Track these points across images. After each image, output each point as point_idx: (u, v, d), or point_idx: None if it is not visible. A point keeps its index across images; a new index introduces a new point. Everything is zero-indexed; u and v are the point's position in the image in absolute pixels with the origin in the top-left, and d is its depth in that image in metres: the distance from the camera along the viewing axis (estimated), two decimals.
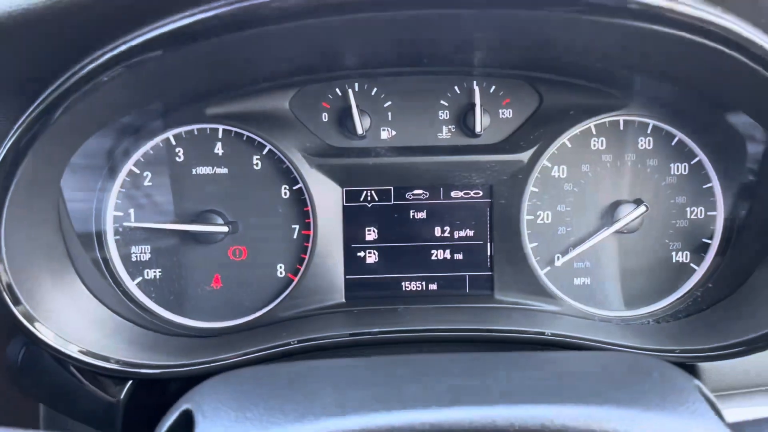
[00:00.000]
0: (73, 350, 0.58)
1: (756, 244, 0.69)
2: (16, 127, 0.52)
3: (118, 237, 0.72)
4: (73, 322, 0.61)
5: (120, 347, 0.62)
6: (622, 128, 0.73)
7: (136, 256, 0.72)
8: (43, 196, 0.60)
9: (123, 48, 0.48)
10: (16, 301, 0.56)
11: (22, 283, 0.57)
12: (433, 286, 0.74)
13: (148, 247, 0.72)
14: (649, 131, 0.73)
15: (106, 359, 0.59)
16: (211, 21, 0.48)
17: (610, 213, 0.73)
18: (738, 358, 0.62)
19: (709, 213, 0.73)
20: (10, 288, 0.56)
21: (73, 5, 0.46)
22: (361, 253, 0.74)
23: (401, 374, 0.47)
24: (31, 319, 0.57)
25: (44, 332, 0.57)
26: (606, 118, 0.73)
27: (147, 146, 0.71)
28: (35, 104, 0.52)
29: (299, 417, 0.40)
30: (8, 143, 0.52)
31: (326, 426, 0.39)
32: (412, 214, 0.74)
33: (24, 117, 0.52)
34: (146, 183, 0.72)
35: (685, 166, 0.73)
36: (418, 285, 0.75)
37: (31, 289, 0.58)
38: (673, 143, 0.73)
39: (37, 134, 0.52)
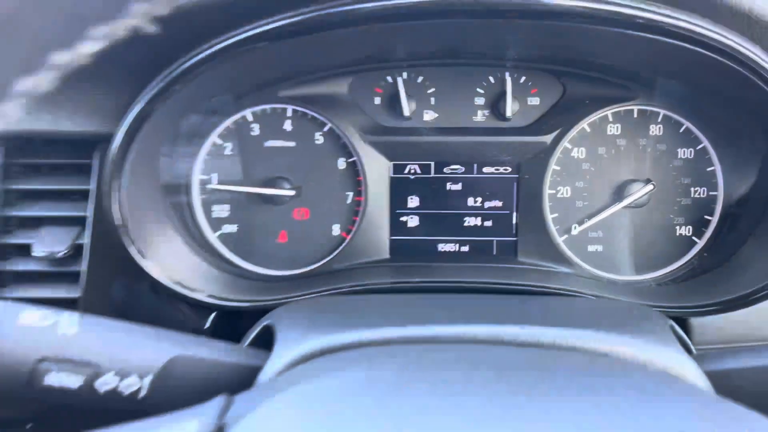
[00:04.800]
0: (175, 285, 0.73)
1: (749, 220, 0.79)
2: (137, 102, 0.66)
3: (203, 196, 0.86)
4: (171, 263, 0.76)
5: (206, 286, 0.77)
6: (635, 116, 0.84)
7: (217, 214, 0.86)
8: (150, 160, 0.74)
9: (233, 40, 0.62)
10: (131, 243, 0.71)
11: (135, 230, 0.72)
12: (464, 249, 0.87)
13: (227, 206, 0.86)
14: (659, 119, 0.84)
15: (201, 292, 0.74)
16: (317, 19, 0.61)
17: (622, 190, 0.84)
18: (722, 313, 0.73)
19: (710, 193, 0.83)
20: (126, 232, 0.71)
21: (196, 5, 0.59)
22: (404, 218, 0.87)
23: (438, 305, 0.60)
24: (143, 258, 0.72)
25: (152, 269, 0.72)
26: (621, 107, 0.83)
27: (228, 122, 0.85)
28: (153, 84, 0.66)
29: (357, 325, 0.52)
30: (131, 114, 0.66)
31: (382, 333, 0.51)
32: (448, 186, 0.86)
33: (145, 93, 0.66)
34: (227, 153, 0.85)
35: (690, 151, 0.84)
36: (452, 247, 0.87)
37: (141, 235, 0.72)
38: (680, 131, 0.83)
39: (154, 109, 0.67)
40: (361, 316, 0.56)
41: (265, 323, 0.60)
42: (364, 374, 0.42)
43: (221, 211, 0.86)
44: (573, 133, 0.83)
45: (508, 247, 0.86)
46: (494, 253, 0.86)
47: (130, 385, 0.49)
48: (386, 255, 0.86)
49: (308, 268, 0.86)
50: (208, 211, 0.86)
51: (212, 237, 0.86)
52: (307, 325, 0.55)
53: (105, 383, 0.48)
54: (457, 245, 0.86)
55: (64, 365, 0.47)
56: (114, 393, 0.48)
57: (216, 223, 0.86)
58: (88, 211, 0.73)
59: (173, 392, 0.50)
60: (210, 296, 0.74)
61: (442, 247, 0.87)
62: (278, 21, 0.63)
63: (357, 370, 0.43)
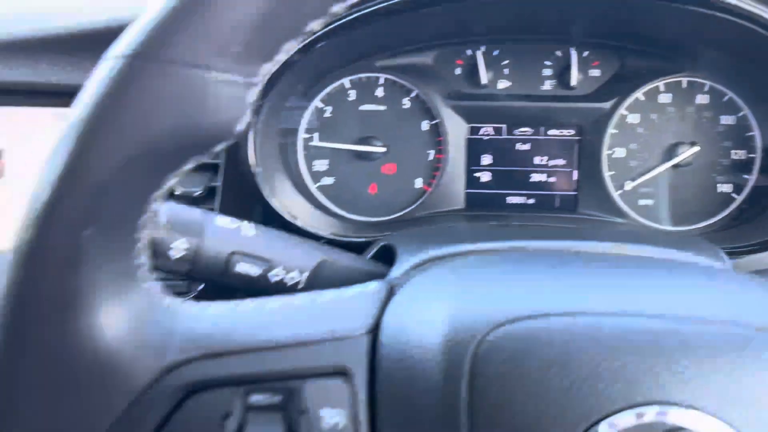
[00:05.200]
0: (299, 222, 0.88)
1: None
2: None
3: (305, 152, 1.00)
4: (291, 207, 0.90)
5: (321, 227, 0.91)
6: (684, 86, 0.96)
7: (317, 168, 1.00)
8: (276, 112, 0.89)
9: (354, 16, 0.76)
10: (264, 186, 0.86)
11: (265, 175, 0.87)
12: (530, 201, 1.00)
13: (326, 161, 1.00)
14: (705, 90, 0.95)
15: (324, 231, 0.88)
16: None
17: (670, 151, 0.96)
18: (760, 252, 0.85)
19: (749, 155, 0.96)
20: (260, 176, 0.85)
21: None
22: (478, 174, 1.00)
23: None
24: (271, 198, 0.86)
25: (280, 209, 0.87)
26: (672, 78, 0.95)
27: (329, 88, 0.99)
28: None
29: (470, 239, 0.65)
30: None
31: (483, 246, 0.64)
32: (518, 146, 0.99)
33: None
34: (326, 115, 0.99)
35: (733, 118, 0.95)
36: (519, 199, 1.00)
37: (268, 180, 0.87)
38: (724, 99, 0.95)
39: (295, 60, 0.81)
40: (471, 235, 0.68)
41: (381, 244, 0.73)
42: (498, 257, 0.54)
43: (321, 165, 1.00)
44: (629, 101, 0.96)
45: (569, 201, 0.99)
46: (556, 205, 0.99)
47: (293, 278, 0.63)
48: (461, 205, 1.00)
49: (394, 216, 1.00)
50: (309, 165, 1.00)
51: (313, 187, 1.00)
52: (423, 241, 0.68)
53: (275, 275, 0.62)
54: (524, 198, 0.99)
55: (248, 258, 0.61)
56: (281, 283, 0.62)
57: (316, 176, 1.00)
58: (221, 158, 0.88)
59: (322, 288, 0.64)
60: (331, 234, 0.88)
61: (511, 200, 1.00)
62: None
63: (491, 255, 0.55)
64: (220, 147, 0.40)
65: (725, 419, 0.38)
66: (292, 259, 0.63)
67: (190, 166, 0.40)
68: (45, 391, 0.38)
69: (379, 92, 0.98)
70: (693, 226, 0.97)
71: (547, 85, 0.98)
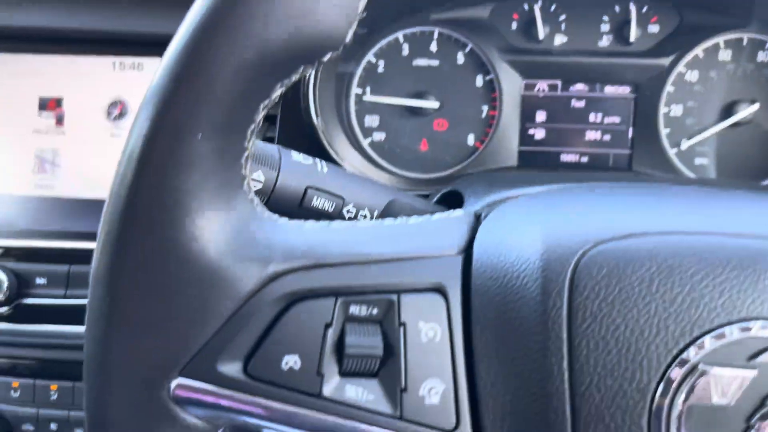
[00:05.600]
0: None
1: None
2: None
3: (356, 107, 1.00)
4: (346, 159, 0.91)
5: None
6: (744, 44, 0.94)
7: (368, 123, 1.00)
8: (331, 68, 0.89)
9: None
10: (322, 138, 0.87)
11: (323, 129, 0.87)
12: (584, 159, 0.99)
13: (377, 116, 1.00)
14: (766, 47, 0.94)
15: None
16: None
17: (729, 109, 0.95)
18: None
19: None
20: (319, 127, 0.86)
21: None
22: (532, 131, 0.99)
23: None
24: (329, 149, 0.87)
25: (338, 161, 0.87)
26: (732, 35, 0.94)
27: (382, 42, 0.98)
28: None
29: (536, 182, 0.65)
30: None
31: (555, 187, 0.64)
32: (573, 102, 0.98)
33: None
34: (379, 70, 0.99)
35: None
36: (572, 157, 0.99)
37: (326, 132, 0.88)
38: None
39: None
40: (538, 180, 0.68)
41: (447, 189, 0.73)
42: (582, 188, 0.54)
43: (372, 120, 1.00)
44: (688, 57, 0.94)
45: (623, 159, 0.98)
46: (610, 164, 0.98)
47: (365, 215, 0.63)
48: (514, 163, 0.99)
49: (446, 173, 0.99)
50: (360, 120, 1.00)
51: (364, 143, 1.00)
52: (490, 185, 0.67)
53: (348, 211, 0.62)
54: (578, 156, 0.99)
55: (323, 194, 0.61)
56: (354, 220, 0.62)
57: (367, 131, 1.00)
58: (279, 110, 0.88)
59: None
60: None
61: (564, 158, 0.99)
62: None
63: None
64: (327, 56, 0.40)
65: None
66: (363, 198, 0.63)
67: (297, 76, 0.40)
68: (154, 290, 0.38)
69: (433, 47, 0.98)
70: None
71: (605, 41, 0.96)
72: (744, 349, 0.39)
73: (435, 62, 0.98)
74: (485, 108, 0.99)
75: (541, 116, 0.98)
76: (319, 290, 0.41)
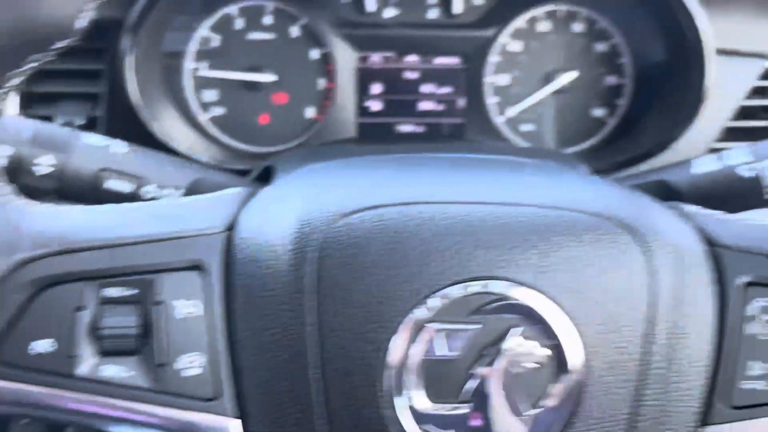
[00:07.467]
0: (187, 151, 0.87)
1: (647, 103, 0.98)
2: None
3: (193, 82, 0.99)
4: (178, 136, 0.90)
5: (209, 155, 0.91)
6: (562, 15, 1.00)
7: (206, 98, 0.99)
8: (156, 41, 0.88)
9: None
10: (144, 115, 0.85)
11: (147, 106, 0.86)
12: (420, 129, 1.03)
13: (216, 91, 0.99)
14: (581, 18, 1.00)
15: (211, 158, 0.89)
16: None
17: (550, 77, 1.01)
18: (624, 168, 0.92)
19: (621, 80, 1.01)
20: (140, 106, 0.85)
21: None
22: (368, 103, 1.01)
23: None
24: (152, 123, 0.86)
25: (161, 136, 0.86)
26: (548, 7, 1.00)
27: (215, 17, 0.97)
28: None
29: (344, 155, 0.67)
30: None
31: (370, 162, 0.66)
32: (407, 74, 1.01)
33: None
34: (213, 45, 0.98)
35: (603, 45, 1.01)
36: (409, 128, 1.03)
37: (150, 109, 0.87)
38: (598, 27, 1.00)
39: None
40: (351, 152, 0.70)
41: (264, 165, 0.74)
42: (354, 160, 0.57)
43: (211, 96, 0.99)
44: (510, 29, 0.99)
45: (456, 128, 1.02)
46: (445, 133, 1.03)
47: (168, 195, 0.63)
48: (353, 134, 1.02)
49: (286, 146, 1.01)
50: (198, 95, 0.99)
51: (203, 118, 0.99)
52: (303, 159, 0.70)
53: (148, 192, 0.63)
54: (414, 126, 1.02)
55: (119, 175, 0.61)
56: (154, 200, 0.63)
57: (206, 106, 0.99)
58: (101, 88, 0.86)
59: None
60: (216, 161, 0.89)
61: (401, 128, 1.02)
62: None
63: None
64: (60, 45, 0.40)
65: (538, 287, 0.42)
66: (166, 177, 0.64)
67: (33, 66, 0.40)
68: None
69: (267, 20, 0.98)
70: (570, 149, 1.02)
71: (432, 13, 1.00)
72: (466, 307, 0.43)
73: (270, 36, 0.98)
74: (322, 81, 1.00)
75: (377, 88, 1.01)
76: (68, 275, 0.42)
